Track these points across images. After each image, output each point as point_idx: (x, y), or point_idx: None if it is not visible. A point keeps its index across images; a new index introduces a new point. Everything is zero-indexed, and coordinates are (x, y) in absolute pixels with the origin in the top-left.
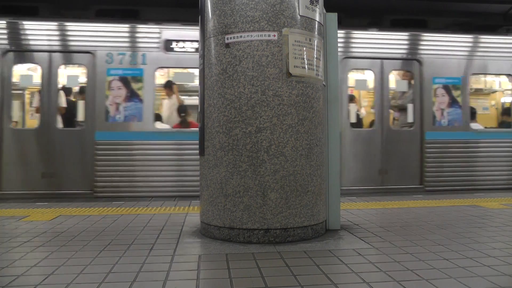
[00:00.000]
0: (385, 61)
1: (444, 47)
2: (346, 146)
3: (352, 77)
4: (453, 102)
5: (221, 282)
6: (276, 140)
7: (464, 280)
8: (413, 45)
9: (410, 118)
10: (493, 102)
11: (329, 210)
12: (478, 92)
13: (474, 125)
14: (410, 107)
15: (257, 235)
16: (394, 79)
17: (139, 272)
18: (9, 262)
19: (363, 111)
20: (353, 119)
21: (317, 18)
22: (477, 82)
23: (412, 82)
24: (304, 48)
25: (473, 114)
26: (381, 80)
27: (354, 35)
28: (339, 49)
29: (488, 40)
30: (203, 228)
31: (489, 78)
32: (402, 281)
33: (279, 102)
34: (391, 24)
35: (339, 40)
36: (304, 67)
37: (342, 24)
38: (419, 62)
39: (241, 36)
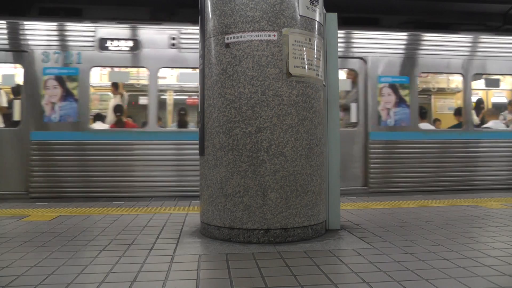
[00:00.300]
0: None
1: (390, 45)
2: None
3: None
4: (400, 102)
5: (221, 282)
6: (276, 140)
7: (464, 280)
8: (357, 43)
9: (353, 118)
10: (458, 101)
11: (329, 210)
12: (441, 91)
13: (424, 125)
14: (353, 106)
15: (257, 235)
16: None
17: (139, 272)
18: (9, 262)
19: None
20: None
21: (317, 18)
22: (428, 81)
23: (357, 81)
24: (304, 48)
25: (423, 113)
26: None
27: None
28: None
29: (439, 38)
30: (203, 228)
31: (441, 77)
32: (402, 281)
33: (279, 102)
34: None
35: None
36: (304, 67)
37: None
38: (364, 60)
39: (241, 36)
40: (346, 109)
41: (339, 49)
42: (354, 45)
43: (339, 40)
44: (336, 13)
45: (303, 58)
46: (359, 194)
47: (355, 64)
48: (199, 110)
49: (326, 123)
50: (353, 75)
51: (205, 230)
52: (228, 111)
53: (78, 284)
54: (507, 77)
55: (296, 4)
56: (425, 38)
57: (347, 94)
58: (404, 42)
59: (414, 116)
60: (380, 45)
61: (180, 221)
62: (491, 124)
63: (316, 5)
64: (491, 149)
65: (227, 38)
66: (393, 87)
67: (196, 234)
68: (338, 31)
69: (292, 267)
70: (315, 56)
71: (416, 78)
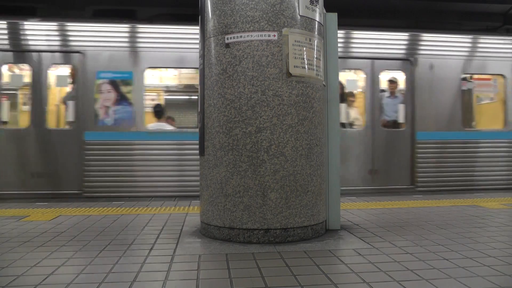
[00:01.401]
0: (42, 54)
1: (112, 38)
2: (4, 148)
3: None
4: (121, 99)
5: (221, 282)
6: (276, 140)
7: (464, 280)
8: (76, 36)
9: (70, 117)
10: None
11: (329, 210)
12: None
13: (154, 125)
14: (70, 104)
15: (257, 235)
16: (53, 74)
17: (139, 272)
18: (9, 262)
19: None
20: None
21: (317, 18)
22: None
23: (76, 76)
24: (304, 48)
25: (158, 112)
26: (39, 76)
27: None
28: None
29: (168, 30)
30: (203, 228)
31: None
32: (402, 281)
33: (279, 102)
34: (94, 15)
35: None
36: (304, 67)
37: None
38: (83, 54)
39: (241, 36)
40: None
41: (54, 43)
42: (72, 38)
43: (53, 33)
44: (336, 13)
45: (303, 58)
46: (73, 198)
47: (73, 58)
48: (199, 110)
49: (326, 123)
50: (73, 70)
51: (205, 230)
52: (228, 111)
53: (78, 284)
54: None
55: (296, 4)
56: (152, 30)
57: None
58: (128, 35)
59: (139, 115)
60: (101, 38)
61: (180, 221)
62: None
63: (316, 5)
64: None
65: (227, 38)
66: (114, 84)
67: (196, 234)
68: (52, 24)
69: (292, 267)
70: (315, 56)
71: (142, 74)
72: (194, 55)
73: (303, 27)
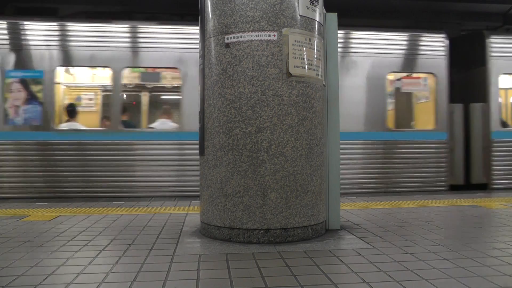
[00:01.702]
0: None
1: (11, 35)
2: None
3: None
4: (32, 99)
5: (221, 282)
6: (276, 140)
7: (464, 280)
8: None
9: None
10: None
11: (329, 210)
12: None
13: (66, 125)
14: None
15: (257, 235)
16: None
17: (139, 272)
18: (9, 262)
19: None
20: None
21: (317, 18)
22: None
23: None
24: (304, 48)
25: (70, 112)
26: None
27: None
28: None
29: (79, 28)
30: (203, 228)
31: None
32: (402, 281)
33: (279, 102)
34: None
35: None
36: (304, 67)
37: None
38: None
39: (241, 36)
40: None
41: None
42: None
43: None
44: (336, 13)
45: (303, 58)
46: None
47: None
48: (199, 110)
49: (326, 123)
50: None
51: (205, 230)
52: (228, 111)
53: (78, 284)
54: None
55: (296, 4)
56: (64, 28)
57: None
58: (39, 33)
59: (49, 115)
60: (10, 36)
61: (180, 221)
62: (157, 124)
63: (316, 5)
64: (143, 152)
65: (227, 38)
66: (24, 83)
67: (196, 234)
68: None
69: (292, 267)
70: (315, 56)
71: (53, 73)
72: (106, 53)
73: (303, 27)
